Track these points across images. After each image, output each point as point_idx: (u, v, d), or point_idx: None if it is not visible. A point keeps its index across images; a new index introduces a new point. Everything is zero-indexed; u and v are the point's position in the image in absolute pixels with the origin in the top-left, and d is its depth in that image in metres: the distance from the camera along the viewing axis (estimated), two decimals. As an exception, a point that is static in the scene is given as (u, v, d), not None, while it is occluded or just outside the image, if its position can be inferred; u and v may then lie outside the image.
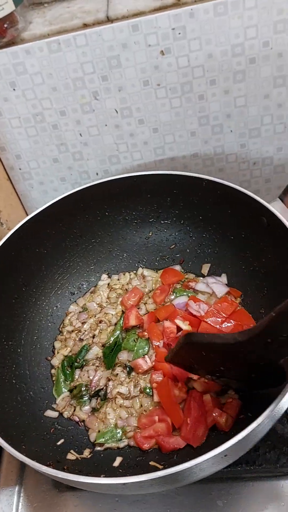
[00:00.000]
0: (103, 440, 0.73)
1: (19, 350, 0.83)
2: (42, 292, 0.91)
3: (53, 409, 0.79)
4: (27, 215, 0.96)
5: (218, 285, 0.87)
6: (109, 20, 0.87)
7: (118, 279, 0.96)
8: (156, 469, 0.66)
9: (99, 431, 0.75)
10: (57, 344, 0.89)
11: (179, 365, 0.72)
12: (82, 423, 0.77)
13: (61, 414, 0.78)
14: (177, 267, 0.95)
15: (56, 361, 0.86)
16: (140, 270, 0.96)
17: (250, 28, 0.86)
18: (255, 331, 0.53)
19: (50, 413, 0.78)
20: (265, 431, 0.59)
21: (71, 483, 0.58)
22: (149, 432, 0.72)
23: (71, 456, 0.70)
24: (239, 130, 1.00)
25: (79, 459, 0.69)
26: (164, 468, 0.52)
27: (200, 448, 0.67)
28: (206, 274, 0.92)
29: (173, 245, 0.95)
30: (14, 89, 0.92)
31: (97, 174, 1.05)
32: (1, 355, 0.80)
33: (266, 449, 0.71)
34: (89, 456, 0.71)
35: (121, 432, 0.75)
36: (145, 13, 0.86)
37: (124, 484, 0.53)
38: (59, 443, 0.72)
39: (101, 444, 0.74)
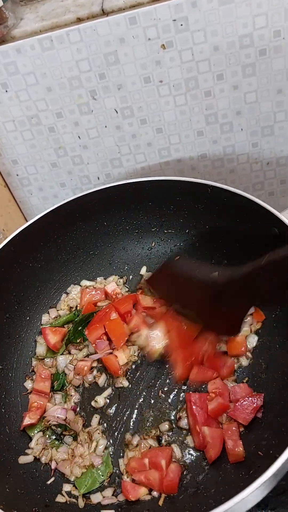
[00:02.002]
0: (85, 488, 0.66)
1: (10, 375, 0.78)
2: (36, 310, 0.86)
3: (26, 454, 0.71)
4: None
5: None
6: (104, 13, 0.82)
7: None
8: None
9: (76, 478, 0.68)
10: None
11: (155, 288, 0.75)
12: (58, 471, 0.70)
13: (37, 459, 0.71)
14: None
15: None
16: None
17: (259, 16, 0.80)
18: (234, 277, 0.58)
19: (23, 459, 0.70)
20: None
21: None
22: (139, 477, 0.65)
23: (61, 498, 0.64)
24: (251, 128, 0.94)
25: (68, 502, 0.63)
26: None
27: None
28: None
29: (178, 257, 0.88)
30: (6, 91, 0.88)
31: (98, 178, 1.01)
32: (-9, 380, 0.75)
33: (280, 490, 0.64)
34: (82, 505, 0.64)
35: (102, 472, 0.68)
36: (143, 4, 0.81)
37: None
38: (49, 482, 0.66)
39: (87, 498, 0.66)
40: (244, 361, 0.75)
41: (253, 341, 0.76)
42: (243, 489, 0.48)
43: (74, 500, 0.65)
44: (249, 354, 0.75)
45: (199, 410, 0.68)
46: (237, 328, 0.64)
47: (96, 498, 0.65)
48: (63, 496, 0.65)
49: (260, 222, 0.72)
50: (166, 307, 0.75)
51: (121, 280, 0.90)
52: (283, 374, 0.67)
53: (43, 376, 0.79)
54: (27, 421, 0.72)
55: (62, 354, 0.82)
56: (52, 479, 0.67)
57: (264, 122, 0.92)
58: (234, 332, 0.66)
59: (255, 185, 1.02)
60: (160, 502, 0.62)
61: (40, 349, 0.83)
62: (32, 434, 0.72)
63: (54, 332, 0.84)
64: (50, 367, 0.81)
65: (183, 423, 0.70)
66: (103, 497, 0.65)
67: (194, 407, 0.69)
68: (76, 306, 0.88)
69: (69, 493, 0.66)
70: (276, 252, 0.54)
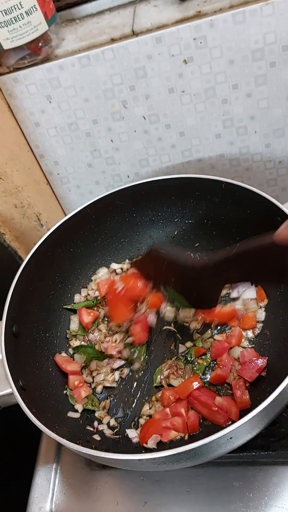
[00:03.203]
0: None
1: (55, 342, 0.92)
2: (76, 289, 0.99)
3: (74, 411, 0.84)
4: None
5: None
6: (134, 34, 0.93)
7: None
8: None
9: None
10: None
11: (141, 271, 0.84)
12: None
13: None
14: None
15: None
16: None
17: (268, 34, 0.89)
18: (212, 262, 0.67)
19: (72, 414, 0.83)
20: (270, 417, 0.63)
21: (93, 458, 0.65)
22: (166, 423, 0.77)
23: (97, 437, 0.78)
24: (263, 131, 1.03)
25: (103, 440, 0.77)
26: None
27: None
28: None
29: (197, 244, 1.00)
30: (50, 102, 0.99)
31: (128, 176, 1.12)
32: (39, 346, 0.89)
33: (280, 436, 0.75)
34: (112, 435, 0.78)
35: None
36: (167, 26, 0.90)
37: (139, 460, 0.60)
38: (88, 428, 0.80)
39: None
40: (251, 333, 0.87)
41: (261, 316, 0.88)
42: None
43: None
44: (258, 326, 0.87)
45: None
46: (214, 303, 0.76)
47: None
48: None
49: (266, 212, 0.82)
50: (152, 287, 0.84)
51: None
52: (285, 340, 0.79)
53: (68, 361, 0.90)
54: (83, 395, 0.85)
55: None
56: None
57: (276, 125, 1.02)
58: (211, 306, 0.78)
59: (269, 181, 1.12)
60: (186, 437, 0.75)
61: (73, 326, 0.96)
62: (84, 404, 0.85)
63: (88, 313, 0.96)
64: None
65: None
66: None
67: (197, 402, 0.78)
68: (97, 297, 0.99)
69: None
70: (243, 243, 0.63)
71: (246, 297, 0.91)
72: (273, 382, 0.73)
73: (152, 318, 0.93)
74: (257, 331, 0.86)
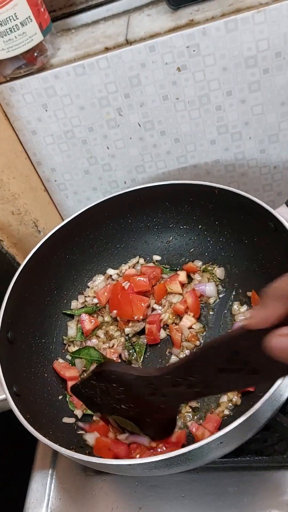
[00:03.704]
0: None
1: (51, 348, 0.92)
2: (72, 295, 1.00)
3: (69, 416, 0.84)
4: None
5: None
6: (128, 43, 0.94)
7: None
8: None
9: None
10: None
11: (80, 397, 0.73)
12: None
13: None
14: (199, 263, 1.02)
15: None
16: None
17: (261, 41, 0.90)
18: (171, 368, 0.58)
19: (66, 420, 0.83)
20: (262, 422, 0.64)
21: (86, 463, 0.66)
22: None
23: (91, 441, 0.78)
24: (258, 136, 1.04)
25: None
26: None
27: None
28: (222, 278, 0.98)
29: (193, 249, 1.01)
30: (46, 110, 1.00)
31: (125, 182, 1.12)
32: (35, 352, 0.89)
33: (274, 441, 0.75)
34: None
35: None
36: (160, 34, 0.91)
37: (130, 465, 0.60)
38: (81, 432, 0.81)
39: None
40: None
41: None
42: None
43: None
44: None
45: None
46: (171, 429, 0.68)
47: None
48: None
49: (258, 217, 0.83)
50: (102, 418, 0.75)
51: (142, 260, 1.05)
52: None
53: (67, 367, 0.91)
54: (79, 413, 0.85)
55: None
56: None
57: (270, 131, 1.02)
58: (169, 433, 0.69)
59: (264, 186, 1.13)
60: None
61: (71, 332, 0.96)
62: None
63: (90, 320, 0.97)
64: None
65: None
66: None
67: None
68: (96, 304, 0.99)
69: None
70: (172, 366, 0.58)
71: None
72: (265, 386, 0.73)
73: None
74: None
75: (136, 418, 0.68)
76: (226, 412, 0.79)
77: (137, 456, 0.68)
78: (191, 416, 0.81)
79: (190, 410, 0.82)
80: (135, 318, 0.93)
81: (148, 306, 0.95)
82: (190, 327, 0.91)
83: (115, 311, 0.96)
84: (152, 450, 0.70)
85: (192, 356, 0.57)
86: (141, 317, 0.93)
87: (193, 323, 0.91)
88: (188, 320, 0.91)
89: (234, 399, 0.80)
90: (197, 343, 0.90)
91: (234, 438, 0.63)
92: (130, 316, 0.93)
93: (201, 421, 0.80)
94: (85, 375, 0.90)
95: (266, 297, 0.47)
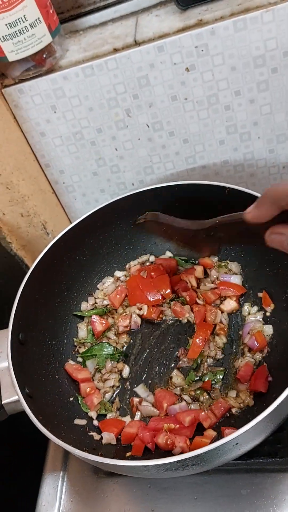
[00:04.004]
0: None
1: (61, 349, 0.92)
2: (82, 296, 1.00)
3: (81, 418, 0.84)
4: (72, 225, 1.05)
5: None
6: (136, 43, 0.94)
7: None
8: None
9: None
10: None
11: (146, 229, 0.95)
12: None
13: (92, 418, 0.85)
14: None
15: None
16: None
17: (270, 40, 0.90)
18: (204, 226, 0.77)
19: (78, 421, 0.83)
20: (277, 422, 0.63)
21: (99, 465, 0.66)
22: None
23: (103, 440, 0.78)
24: (267, 136, 1.03)
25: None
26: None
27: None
28: (238, 272, 0.99)
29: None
30: (55, 112, 1.00)
31: (133, 184, 1.12)
32: (46, 353, 0.89)
33: (287, 443, 0.75)
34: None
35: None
36: (169, 35, 0.91)
37: (145, 466, 0.60)
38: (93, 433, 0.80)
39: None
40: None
41: (269, 330, 0.87)
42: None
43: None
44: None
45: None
46: (214, 250, 0.94)
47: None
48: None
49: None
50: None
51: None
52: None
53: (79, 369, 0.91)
54: (95, 401, 0.86)
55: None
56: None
57: (279, 131, 1.02)
58: (212, 252, 0.96)
59: (273, 186, 1.12)
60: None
61: (82, 334, 0.97)
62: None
63: (101, 322, 0.97)
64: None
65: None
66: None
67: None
68: (106, 305, 1.00)
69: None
70: (224, 217, 0.72)
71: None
72: (278, 387, 0.73)
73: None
74: (266, 350, 0.86)
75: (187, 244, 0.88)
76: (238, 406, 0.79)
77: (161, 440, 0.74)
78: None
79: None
80: (164, 293, 0.97)
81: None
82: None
83: (138, 303, 0.97)
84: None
85: (219, 220, 0.74)
86: (168, 291, 0.96)
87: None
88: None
89: (246, 400, 0.79)
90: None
91: (250, 439, 0.63)
92: (157, 298, 0.97)
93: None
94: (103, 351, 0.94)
95: (264, 197, 0.59)
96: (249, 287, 0.94)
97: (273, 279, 0.88)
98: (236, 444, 0.59)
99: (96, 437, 0.81)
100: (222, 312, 0.92)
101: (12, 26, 0.87)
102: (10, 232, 1.05)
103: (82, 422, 0.82)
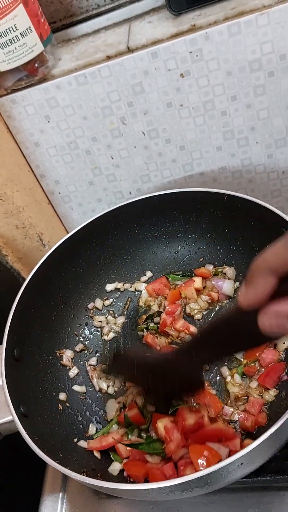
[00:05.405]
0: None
1: (59, 365, 0.89)
2: (79, 309, 0.97)
3: (85, 440, 0.81)
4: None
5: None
6: (129, 50, 0.92)
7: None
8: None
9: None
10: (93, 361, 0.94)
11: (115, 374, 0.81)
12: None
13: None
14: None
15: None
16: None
17: (266, 43, 0.88)
18: (182, 348, 0.66)
19: (82, 444, 0.80)
20: (283, 439, 0.60)
21: (98, 488, 0.62)
22: None
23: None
24: (265, 141, 1.01)
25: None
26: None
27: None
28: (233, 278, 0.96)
29: (202, 258, 0.98)
30: (48, 121, 0.99)
31: (130, 193, 1.11)
32: (42, 369, 0.86)
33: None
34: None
35: None
36: (162, 41, 0.90)
37: (145, 490, 0.56)
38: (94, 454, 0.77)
39: None
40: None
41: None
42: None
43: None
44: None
45: None
46: (201, 383, 0.71)
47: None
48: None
49: (270, 223, 0.80)
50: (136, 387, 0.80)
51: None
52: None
53: None
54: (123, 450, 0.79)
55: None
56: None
57: (277, 135, 1.00)
58: (199, 387, 0.72)
59: (273, 192, 1.10)
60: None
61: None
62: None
63: None
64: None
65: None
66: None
67: None
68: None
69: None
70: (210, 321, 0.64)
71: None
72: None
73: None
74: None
75: (167, 387, 0.72)
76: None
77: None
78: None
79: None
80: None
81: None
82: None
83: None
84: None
85: (198, 335, 0.66)
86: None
87: None
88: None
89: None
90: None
91: (255, 458, 0.60)
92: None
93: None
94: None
95: (254, 271, 0.48)
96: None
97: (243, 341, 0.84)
98: (241, 464, 0.56)
99: (97, 454, 0.78)
100: None
101: (3, 35, 0.85)
102: (5, 244, 1.02)
103: (85, 444, 0.79)
